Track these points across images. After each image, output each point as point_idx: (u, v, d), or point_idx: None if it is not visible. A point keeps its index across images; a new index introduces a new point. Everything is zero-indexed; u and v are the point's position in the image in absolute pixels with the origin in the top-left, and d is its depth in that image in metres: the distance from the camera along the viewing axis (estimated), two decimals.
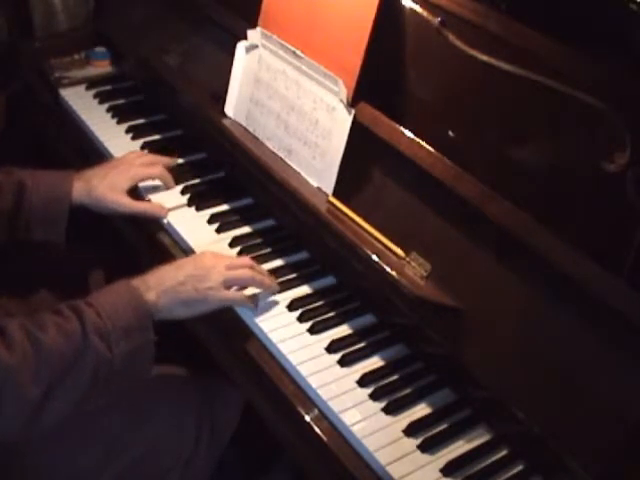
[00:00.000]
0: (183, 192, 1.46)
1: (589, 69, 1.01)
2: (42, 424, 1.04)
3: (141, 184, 1.44)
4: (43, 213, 1.34)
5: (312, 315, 1.22)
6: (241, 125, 1.46)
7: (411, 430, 1.07)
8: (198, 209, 1.43)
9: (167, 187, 1.46)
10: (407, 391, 1.13)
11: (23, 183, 1.34)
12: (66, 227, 1.36)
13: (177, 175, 1.49)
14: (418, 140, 1.17)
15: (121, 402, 1.25)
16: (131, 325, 1.09)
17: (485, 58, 1.11)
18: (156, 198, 1.44)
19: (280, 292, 1.25)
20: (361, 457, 1.04)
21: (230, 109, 1.48)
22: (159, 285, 1.15)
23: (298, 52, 1.32)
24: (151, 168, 1.45)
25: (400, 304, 1.15)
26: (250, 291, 1.23)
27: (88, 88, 1.75)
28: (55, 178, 1.38)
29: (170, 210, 1.41)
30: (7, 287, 1.35)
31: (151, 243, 1.41)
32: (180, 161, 1.54)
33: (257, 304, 1.22)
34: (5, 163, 1.38)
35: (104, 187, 1.37)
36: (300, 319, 1.21)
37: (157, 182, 1.46)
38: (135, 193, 1.43)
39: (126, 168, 1.42)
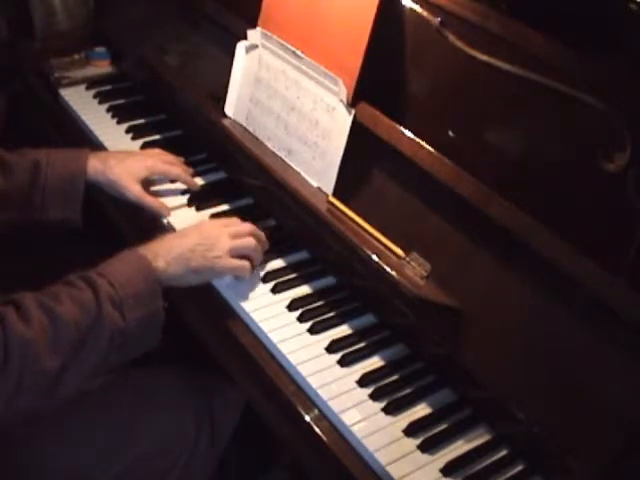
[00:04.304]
0: (183, 192, 1.46)
1: (589, 69, 1.01)
2: (59, 395, 1.04)
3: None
4: (58, 190, 1.35)
5: (312, 315, 1.22)
6: (241, 125, 1.46)
7: (411, 430, 1.07)
8: (198, 209, 1.43)
9: (190, 187, 1.46)
10: (407, 391, 1.13)
11: (38, 161, 1.35)
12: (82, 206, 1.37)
13: None
14: (418, 140, 1.17)
15: (121, 402, 1.25)
16: (142, 293, 1.10)
17: (485, 58, 1.11)
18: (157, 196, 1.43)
19: (280, 292, 1.25)
20: (361, 457, 1.04)
21: (230, 109, 1.48)
22: (168, 253, 1.16)
23: (298, 52, 1.32)
24: (171, 167, 1.45)
25: (400, 304, 1.15)
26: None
27: (88, 88, 1.75)
28: (70, 155, 1.39)
29: (170, 210, 1.41)
30: (7, 286, 1.35)
31: None
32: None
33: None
34: None
35: (120, 169, 1.38)
36: (300, 319, 1.21)
37: (168, 185, 1.46)
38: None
39: (145, 158, 1.44)
